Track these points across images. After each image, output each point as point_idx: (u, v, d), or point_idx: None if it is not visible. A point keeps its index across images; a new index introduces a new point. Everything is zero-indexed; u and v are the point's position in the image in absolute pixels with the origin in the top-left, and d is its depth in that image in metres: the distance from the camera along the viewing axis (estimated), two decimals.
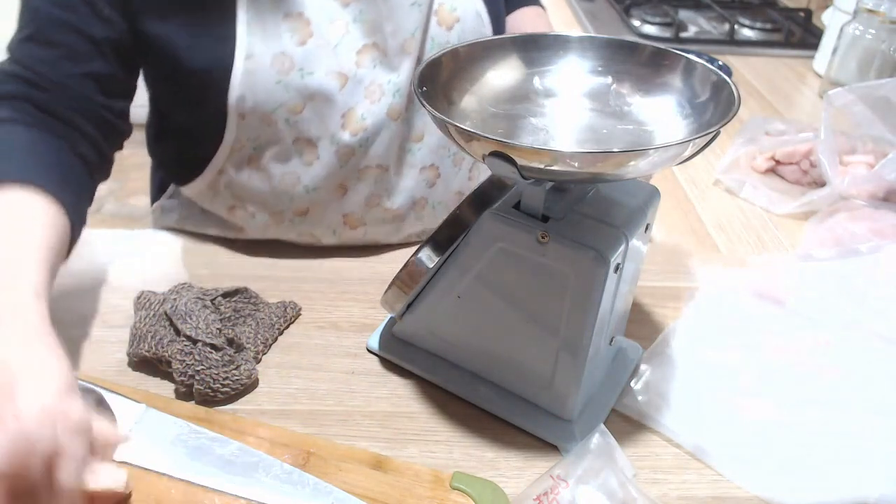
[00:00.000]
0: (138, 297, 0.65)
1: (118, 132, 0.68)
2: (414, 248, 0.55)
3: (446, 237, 0.54)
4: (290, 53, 0.65)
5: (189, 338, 0.58)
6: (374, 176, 0.74)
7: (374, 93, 0.70)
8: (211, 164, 0.72)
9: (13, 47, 0.62)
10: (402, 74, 0.70)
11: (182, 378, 0.57)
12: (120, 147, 0.70)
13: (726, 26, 1.43)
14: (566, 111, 0.57)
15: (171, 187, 0.83)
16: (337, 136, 0.69)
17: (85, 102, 0.63)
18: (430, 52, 0.70)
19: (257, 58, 0.64)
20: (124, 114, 0.68)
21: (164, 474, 0.50)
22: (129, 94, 0.69)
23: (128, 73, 0.67)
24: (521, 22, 0.90)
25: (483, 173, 0.83)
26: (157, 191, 0.87)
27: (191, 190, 0.76)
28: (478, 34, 0.74)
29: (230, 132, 0.68)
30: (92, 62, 0.63)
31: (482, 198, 0.53)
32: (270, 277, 0.73)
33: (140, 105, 0.72)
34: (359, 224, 0.76)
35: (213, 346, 0.58)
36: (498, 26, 0.77)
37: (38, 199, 0.55)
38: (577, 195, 0.53)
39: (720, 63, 1.26)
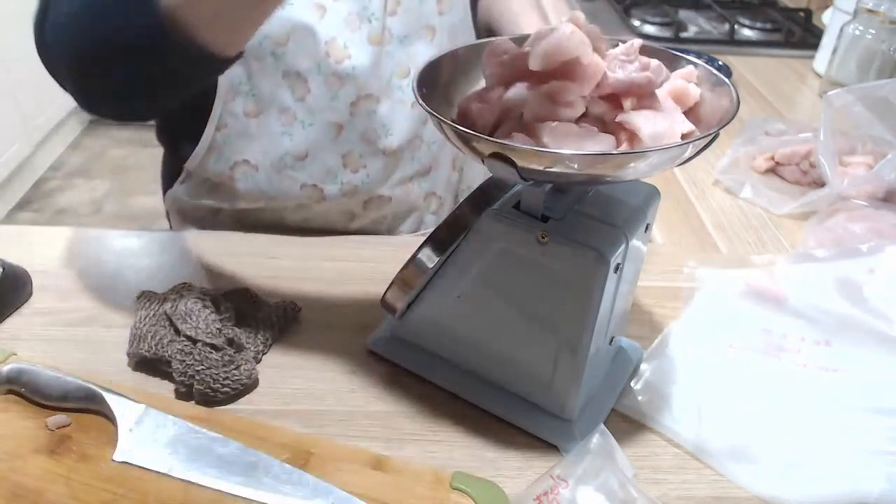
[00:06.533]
0: (138, 297, 0.65)
1: None
2: (416, 245, 0.55)
3: (446, 237, 0.54)
4: None
5: (189, 338, 0.58)
6: (366, 110, 0.76)
7: (353, 22, 0.74)
8: (212, 113, 0.74)
9: None
10: None
11: (182, 378, 0.57)
12: None
13: (726, 26, 1.43)
14: None
15: (182, 174, 0.84)
16: (323, 65, 0.73)
17: None
18: None
19: None
20: None
21: (164, 474, 0.50)
22: None
23: None
24: None
25: None
26: (169, 179, 0.88)
27: (194, 160, 0.78)
28: None
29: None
30: None
31: (482, 198, 0.53)
32: (270, 277, 0.73)
33: None
34: (359, 166, 0.78)
35: (213, 346, 0.58)
36: None
37: None
38: (577, 195, 0.53)
39: (720, 63, 1.26)
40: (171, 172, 0.87)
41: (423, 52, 0.79)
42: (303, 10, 0.71)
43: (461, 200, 0.89)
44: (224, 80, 0.73)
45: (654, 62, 0.47)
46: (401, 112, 0.78)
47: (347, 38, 0.73)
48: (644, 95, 0.47)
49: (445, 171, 0.85)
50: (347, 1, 0.73)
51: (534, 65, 0.47)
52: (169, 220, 0.93)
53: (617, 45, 0.49)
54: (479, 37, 0.96)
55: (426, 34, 0.78)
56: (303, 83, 0.74)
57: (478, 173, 0.92)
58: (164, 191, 0.90)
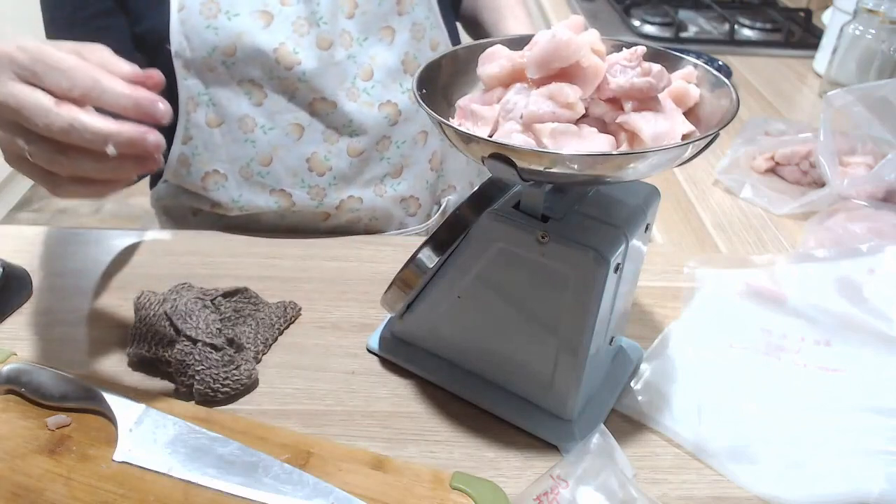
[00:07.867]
0: (138, 297, 0.65)
1: None
2: (415, 245, 0.55)
3: (446, 237, 0.54)
4: None
5: (189, 338, 0.58)
6: (323, 112, 0.77)
7: (302, 27, 0.74)
8: (177, 129, 0.77)
9: None
10: (322, 1, 0.75)
11: (182, 378, 0.57)
12: None
13: (726, 26, 1.43)
14: None
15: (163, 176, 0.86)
16: (275, 71, 0.74)
17: None
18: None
19: (188, 7, 0.72)
20: None
21: (164, 474, 0.50)
22: None
23: None
24: None
25: None
26: (154, 177, 0.90)
27: (168, 170, 0.80)
28: None
29: (181, 87, 0.74)
30: None
31: (482, 198, 0.53)
32: (270, 277, 0.73)
33: None
34: (324, 168, 0.79)
35: (213, 346, 0.58)
36: None
37: None
38: (576, 195, 0.53)
39: (720, 63, 1.26)
40: (156, 171, 0.88)
41: (381, 54, 0.78)
42: (247, 19, 0.72)
43: (441, 201, 0.90)
44: (184, 92, 0.75)
45: (657, 67, 0.47)
46: (367, 114, 0.78)
47: (296, 43, 0.73)
48: (645, 99, 0.47)
49: (421, 171, 0.85)
50: (296, 6, 0.74)
51: (532, 73, 0.47)
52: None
53: (621, 48, 0.49)
54: (461, 23, 0.97)
55: (385, 35, 0.78)
56: (258, 89, 0.75)
57: (458, 173, 0.91)
58: (151, 187, 0.91)
